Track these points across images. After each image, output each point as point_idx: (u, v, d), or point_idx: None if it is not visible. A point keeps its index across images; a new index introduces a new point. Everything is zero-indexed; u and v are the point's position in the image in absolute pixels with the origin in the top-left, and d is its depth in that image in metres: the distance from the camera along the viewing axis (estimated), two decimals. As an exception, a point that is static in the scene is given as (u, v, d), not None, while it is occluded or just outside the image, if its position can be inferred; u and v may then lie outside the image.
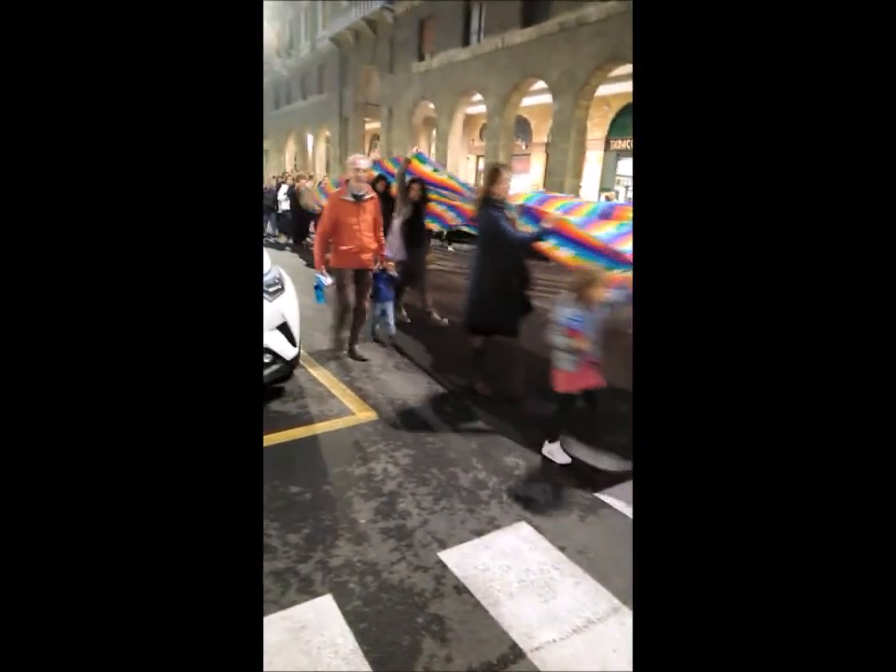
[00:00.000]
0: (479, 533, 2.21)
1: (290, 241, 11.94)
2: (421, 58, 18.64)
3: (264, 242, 11.26)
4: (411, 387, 3.78)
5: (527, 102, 15.86)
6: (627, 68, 12.11)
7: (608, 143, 15.60)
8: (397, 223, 5.16)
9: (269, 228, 13.21)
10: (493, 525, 2.27)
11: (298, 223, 11.56)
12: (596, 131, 15.20)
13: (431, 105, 18.58)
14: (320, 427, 3.08)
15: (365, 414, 3.30)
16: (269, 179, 14.70)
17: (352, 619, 1.73)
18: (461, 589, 1.89)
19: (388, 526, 2.23)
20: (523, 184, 14.48)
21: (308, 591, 1.84)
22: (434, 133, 19.54)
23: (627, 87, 13.40)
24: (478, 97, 16.51)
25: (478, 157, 19.66)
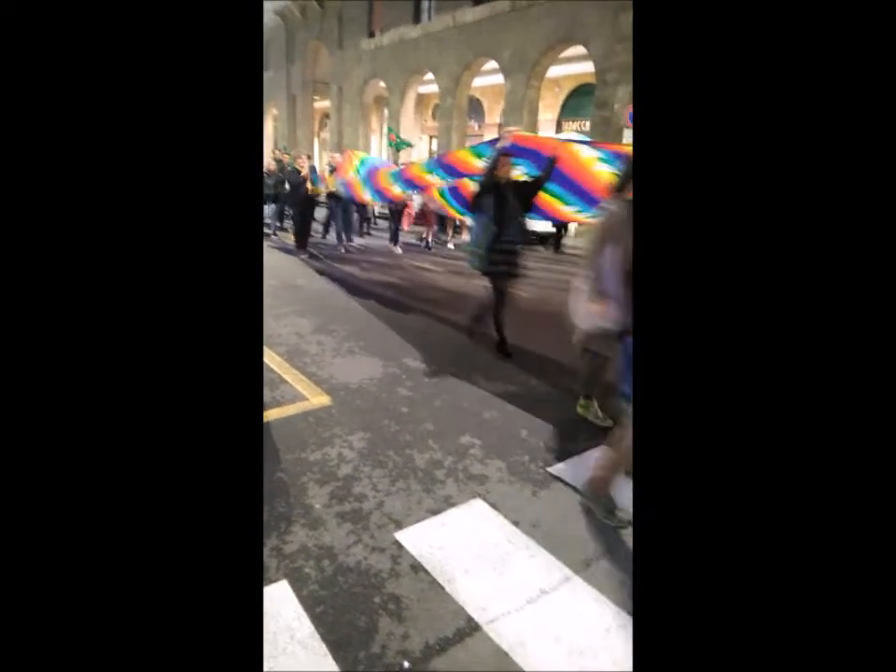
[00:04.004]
0: (435, 512, 2.24)
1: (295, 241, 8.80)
2: (371, 35, 18.19)
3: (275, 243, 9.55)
4: (365, 371, 3.76)
5: (480, 82, 15.77)
6: (578, 49, 12.18)
7: (559, 124, 15.71)
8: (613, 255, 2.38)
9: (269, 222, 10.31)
10: (448, 503, 2.30)
11: (302, 218, 8.61)
12: (548, 112, 15.27)
13: (382, 84, 18.22)
14: (273, 414, 3.03)
15: (319, 400, 3.26)
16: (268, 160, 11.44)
17: (308, 603, 1.73)
18: (417, 568, 1.91)
19: (344, 510, 2.22)
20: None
21: (263, 577, 1.82)
22: (386, 112, 19.19)
23: (578, 68, 13.49)
24: (430, 76, 16.29)
25: (431, 137, 19.46)
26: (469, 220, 6.44)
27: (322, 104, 22.62)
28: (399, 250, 9.37)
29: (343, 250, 9.01)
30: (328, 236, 9.82)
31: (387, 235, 9.75)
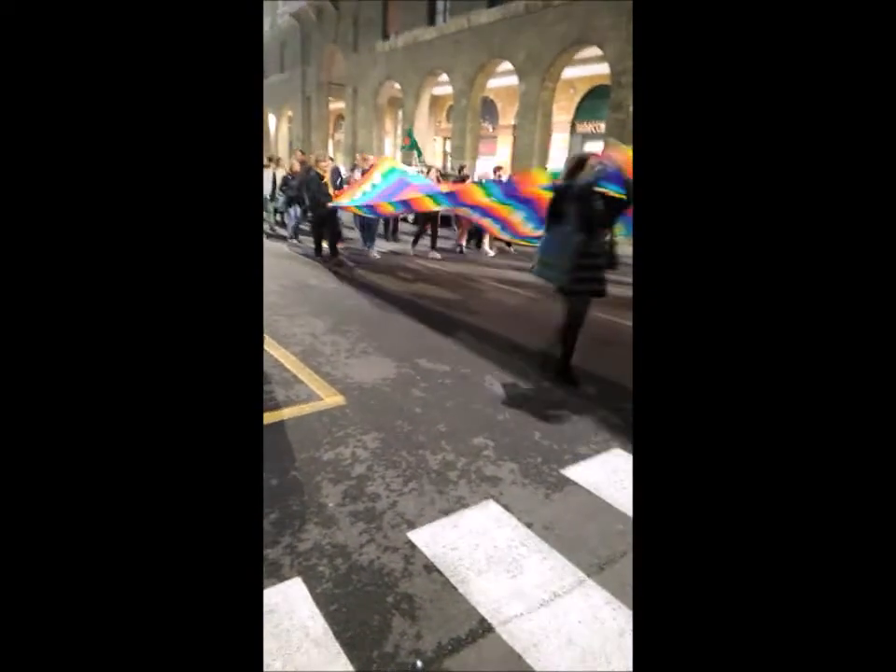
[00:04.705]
0: (447, 513, 2.24)
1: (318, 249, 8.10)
2: (386, 37, 18.29)
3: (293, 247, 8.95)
4: (378, 372, 3.77)
5: (494, 83, 15.79)
6: (593, 51, 12.15)
7: (573, 126, 15.67)
8: None
9: (289, 225, 9.79)
10: (461, 504, 2.30)
11: (322, 223, 8.01)
12: (563, 113, 15.25)
13: (397, 86, 18.29)
14: (287, 413, 3.05)
15: (333, 399, 3.28)
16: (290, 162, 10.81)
17: (322, 601, 1.74)
18: (430, 568, 1.92)
19: (357, 509, 2.23)
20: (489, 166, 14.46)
21: (276, 575, 1.83)
22: (400, 113, 19.26)
23: (592, 70, 13.46)
24: (444, 78, 16.33)
25: (444, 139, 19.49)
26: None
27: (337, 105, 22.77)
28: (438, 255, 8.93)
29: (371, 255, 8.50)
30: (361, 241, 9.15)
31: (416, 239, 9.30)
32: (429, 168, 10.56)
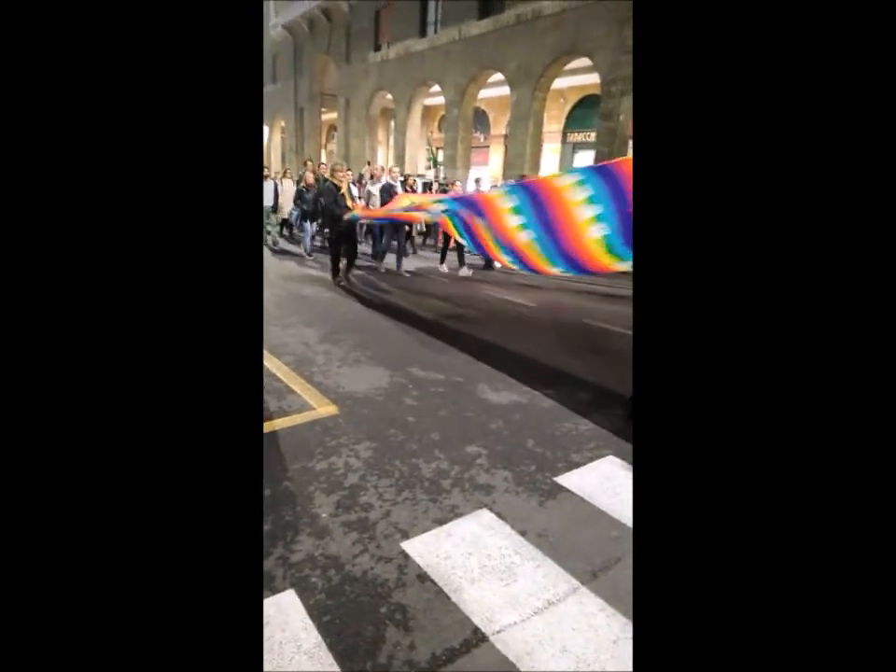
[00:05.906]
0: (441, 522, 2.23)
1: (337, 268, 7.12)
2: (377, 48, 18.42)
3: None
4: (371, 381, 3.77)
5: (486, 93, 15.92)
6: (583, 61, 12.27)
7: (564, 135, 15.80)
8: None
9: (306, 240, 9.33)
10: (455, 513, 2.30)
11: (339, 241, 7.08)
12: (553, 123, 15.38)
13: (389, 96, 18.40)
14: (279, 423, 3.04)
15: (325, 409, 3.27)
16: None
17: (315, 613, 1.72)
18: (424, 577, 1.91)
19: (350, 519, 2.22)
20: (483, 176, 14.55)
21: (269, 587, 1.82)
22: (392, 124, 19.36)
23: (583, 80, 13.60)
24: (436, 88, 16.45)
25: (437, 148, 19.59)
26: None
27: (329, 116, 22.85)
28: (469, 272, 8.24)
29: (380, 269, 8.00)
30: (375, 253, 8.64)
31: (439, 256, 8.67)
32: (452, 182, 10.03)
